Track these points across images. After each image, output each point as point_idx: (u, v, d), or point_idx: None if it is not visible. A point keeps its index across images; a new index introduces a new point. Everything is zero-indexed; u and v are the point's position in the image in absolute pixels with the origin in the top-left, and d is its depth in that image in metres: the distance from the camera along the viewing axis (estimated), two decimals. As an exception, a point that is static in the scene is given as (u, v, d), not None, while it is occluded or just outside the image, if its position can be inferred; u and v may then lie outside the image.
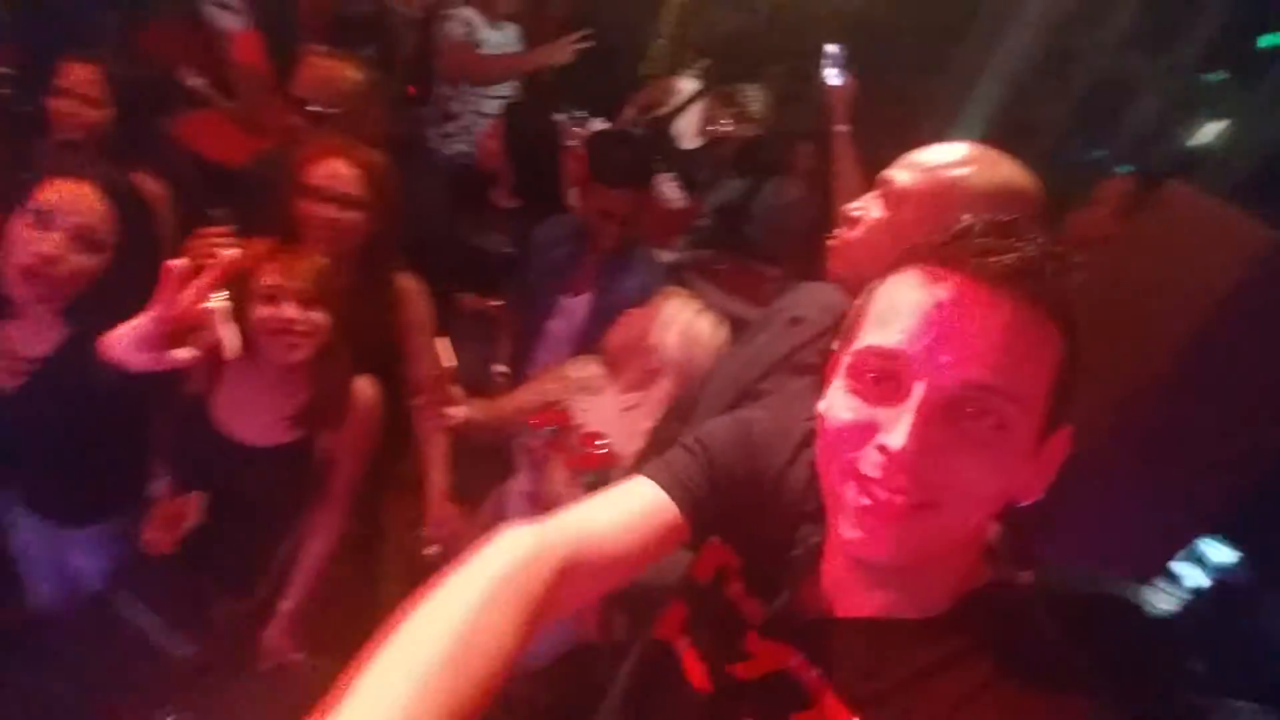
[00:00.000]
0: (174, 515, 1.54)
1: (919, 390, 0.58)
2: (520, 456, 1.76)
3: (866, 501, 0.61)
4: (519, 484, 1.76)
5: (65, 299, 1.41)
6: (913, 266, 0.63)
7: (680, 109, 3.29)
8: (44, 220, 1.36)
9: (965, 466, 0.59)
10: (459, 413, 1.56)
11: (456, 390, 1.56)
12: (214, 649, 1.54)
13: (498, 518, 1.76)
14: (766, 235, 3.07)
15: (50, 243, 1.35)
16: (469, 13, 2.91)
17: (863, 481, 0.61)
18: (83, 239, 1.38)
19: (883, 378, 0.61)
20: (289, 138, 2.04)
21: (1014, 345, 0.58)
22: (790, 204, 3.08)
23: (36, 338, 1.45)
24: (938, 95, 3.91)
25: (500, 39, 2.98)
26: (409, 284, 1.83)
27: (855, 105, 2.12)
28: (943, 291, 0.60)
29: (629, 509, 0.78)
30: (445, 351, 1.51)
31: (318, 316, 1.45)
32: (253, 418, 1.50)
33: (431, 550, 1.81)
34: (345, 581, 1.79)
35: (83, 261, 1.39)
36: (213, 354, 0.97)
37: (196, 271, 1.04)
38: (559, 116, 2.96)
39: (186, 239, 1.56)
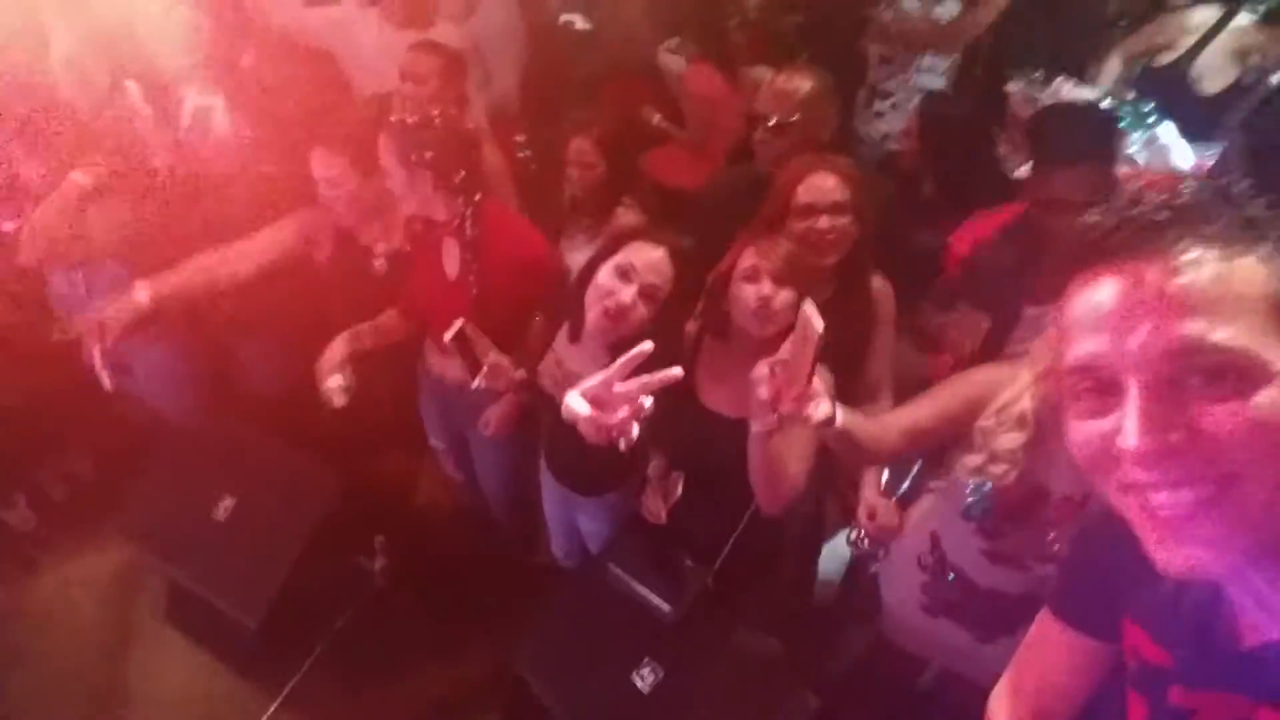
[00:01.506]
0: (666, 491, 1.83)
1: (1133, 383, 0.58)
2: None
3: (1159, 511, 0.59)
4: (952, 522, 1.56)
5: (617, 337, 1.72)
6: (1073, 284, 0.64)
7: (1199, 47, 2.49)
8: (625, 275, 1.70)
9: (1229, 428, 0.55)
10: (816, 411, 1.19)
11: (818, 381, 1.17)
12: (685, 611, 1.79)
13: (924, 529, 1.66)
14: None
15: (628, 294, 1.69)
16: None
17: (1141, 490, 0.59)
18: (648, 295, 1.70)
19: (1098, 390, 0.61)
20: (749, 157, 2.23)
21: (1195, 299, 0.56)
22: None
23: (586, 363, 1.82)
24: None
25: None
26: (880, 284, 1.90)
27: None
28: (1103, 286, 0.61)
29: (1055, 656, 0.94)
30: (814, 317, 1.06)
31: (788, 295, 1.57)
32: (731, 390, 1.65)
33: (863, 543, 1.81)
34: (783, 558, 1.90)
35: (641, 313, 1.70)
36: None
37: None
38: (1011, 87, 2.57)
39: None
